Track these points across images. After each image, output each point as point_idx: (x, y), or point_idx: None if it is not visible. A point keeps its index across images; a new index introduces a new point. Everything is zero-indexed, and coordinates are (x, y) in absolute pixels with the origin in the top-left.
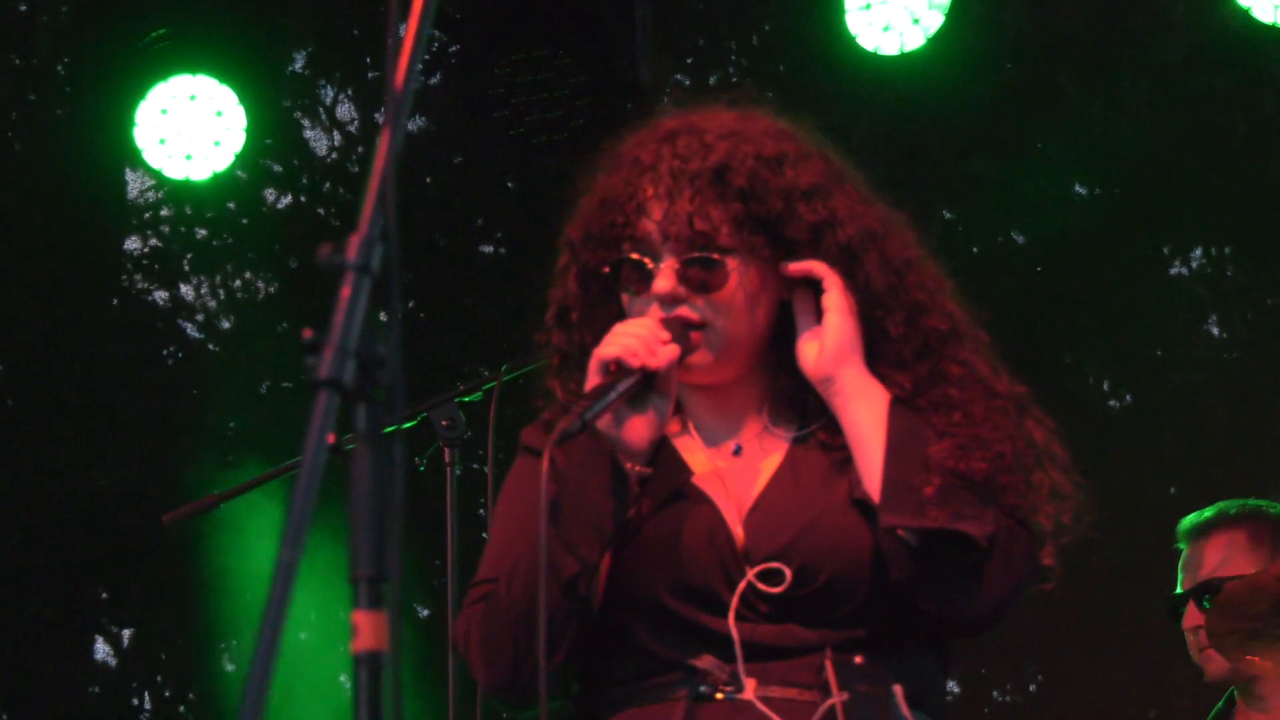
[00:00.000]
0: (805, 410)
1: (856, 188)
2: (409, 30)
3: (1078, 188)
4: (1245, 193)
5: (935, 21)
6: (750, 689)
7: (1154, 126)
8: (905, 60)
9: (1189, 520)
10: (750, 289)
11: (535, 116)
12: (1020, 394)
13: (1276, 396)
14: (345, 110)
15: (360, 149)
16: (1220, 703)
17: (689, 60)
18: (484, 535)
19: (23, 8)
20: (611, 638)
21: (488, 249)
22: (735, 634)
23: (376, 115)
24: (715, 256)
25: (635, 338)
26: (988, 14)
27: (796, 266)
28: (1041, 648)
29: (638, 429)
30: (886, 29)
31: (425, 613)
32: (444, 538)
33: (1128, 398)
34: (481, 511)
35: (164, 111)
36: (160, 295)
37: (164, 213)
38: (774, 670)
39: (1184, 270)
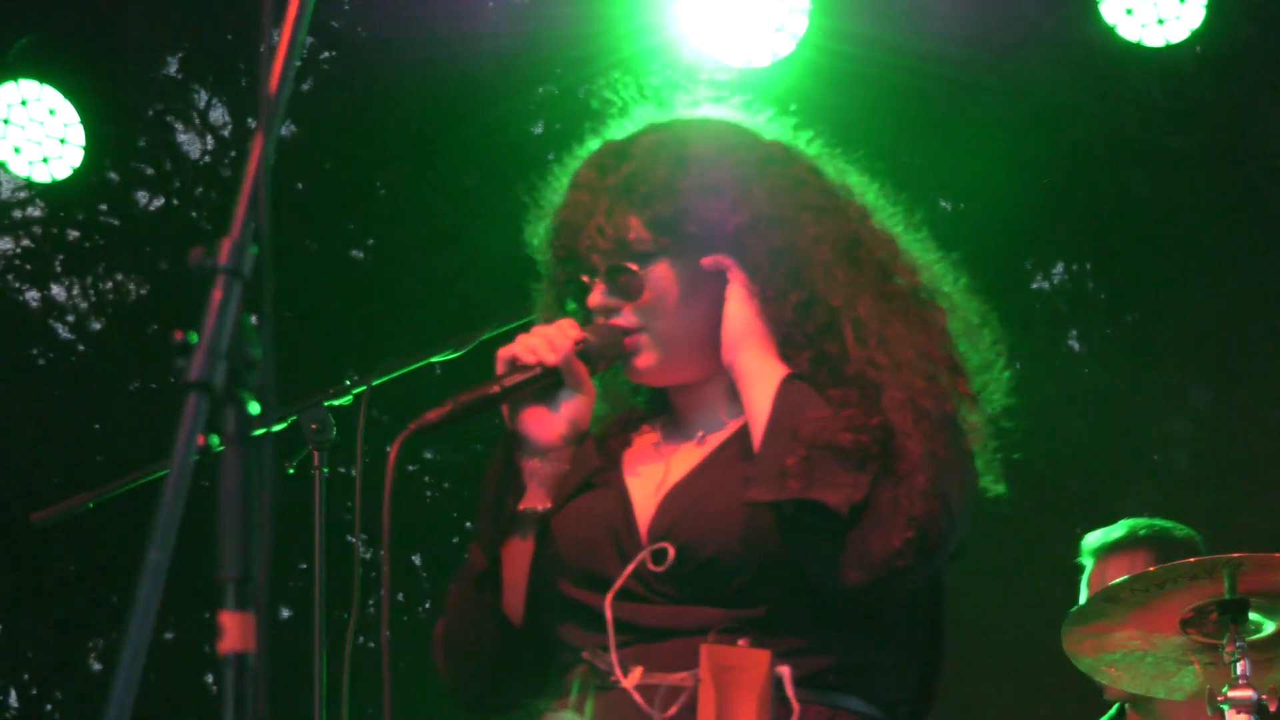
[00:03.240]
0: None
1: (784, 171)
2: (283, 36)
3: (941, 202)
4: (1106, 209)
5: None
6: (637, 675)
7: (1018, 142)
8: (763, 75)
9: (1096, 537)
10: (676, 290)
11: None
12: (926, 350)
13: (1133, 411)
14: (219, 114)
15: (233, 153)
16: (1110, 712)
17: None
18: (349, 538)
19: None
20: (541, 634)
21: (358, 254)
22: (609, 614)
23: (249, 120)
24: (631, 265)
25: (540, 336)
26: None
27: (707, 261)
28: None
29: (544, 424)
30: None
31: (288, 614)
32: (311, 540)
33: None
34: (348, 516)
35: (23, 102)
36: (31, 296)
37: (34, 213)
38: (660, 654)
39: (1045, 284)
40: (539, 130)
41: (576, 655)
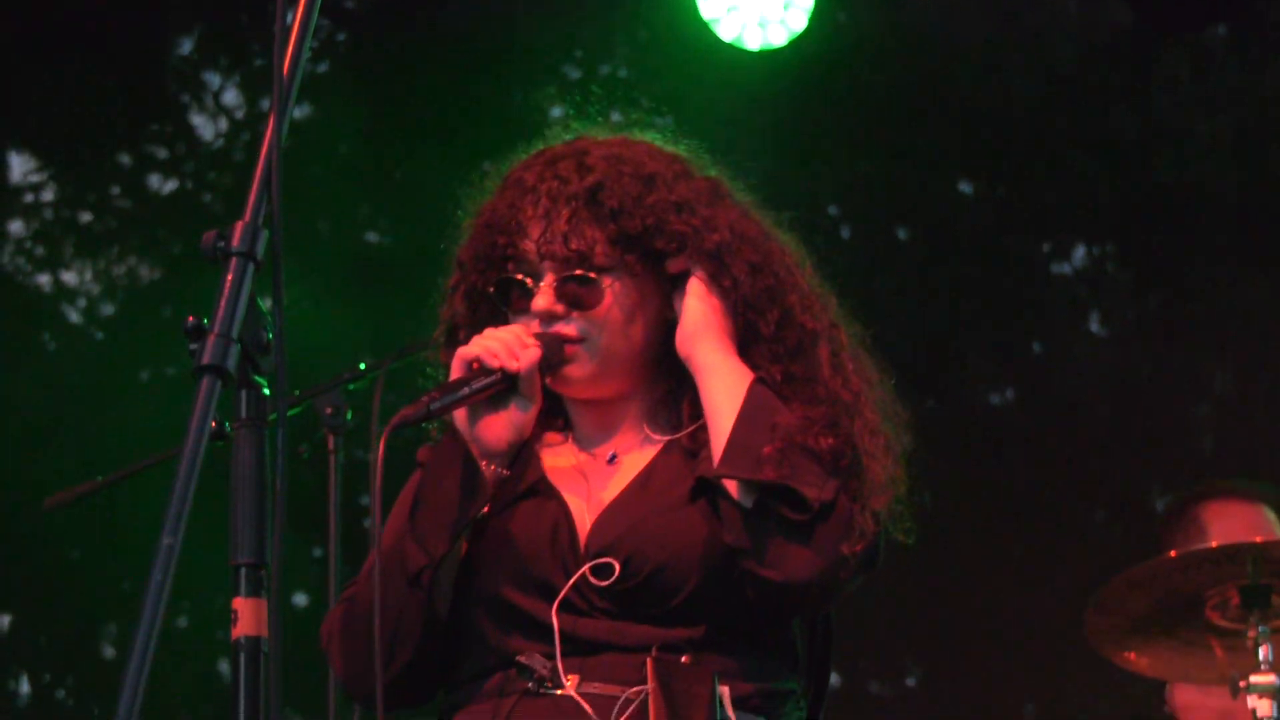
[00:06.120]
0: (679, 419)
1: (735, 203)
2: (297, 17)
3: (962, 185)
4: (1131, 192)
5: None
6: (572, 685)
7: (1042, 124)
8: (783, 55)
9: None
10: (626, 305)
11: None
12: (881, 391)
13: (1155, 394)
14: (232, 97)
15: (246, 136)
16: None
17: (577, 55)
18: (365, 524)
19: None
20: (459, 637)
21: (372, 237)
22: (555, 623)
23: (263, 102)
24: (591, 275)
25: (499, 340)
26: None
27: (674, 264)
28: (920, 641)
29: (495, 429)
30: (763, 24)
31: (304, 600)
32: (326, 525)
33: (1009, 394)
34: (364, 499)
35: None
36: (43, 279)
37: (46, 196)
38: (598, 666)
39: (1066, 268)
40: (558, 113)
41: (502, 658)
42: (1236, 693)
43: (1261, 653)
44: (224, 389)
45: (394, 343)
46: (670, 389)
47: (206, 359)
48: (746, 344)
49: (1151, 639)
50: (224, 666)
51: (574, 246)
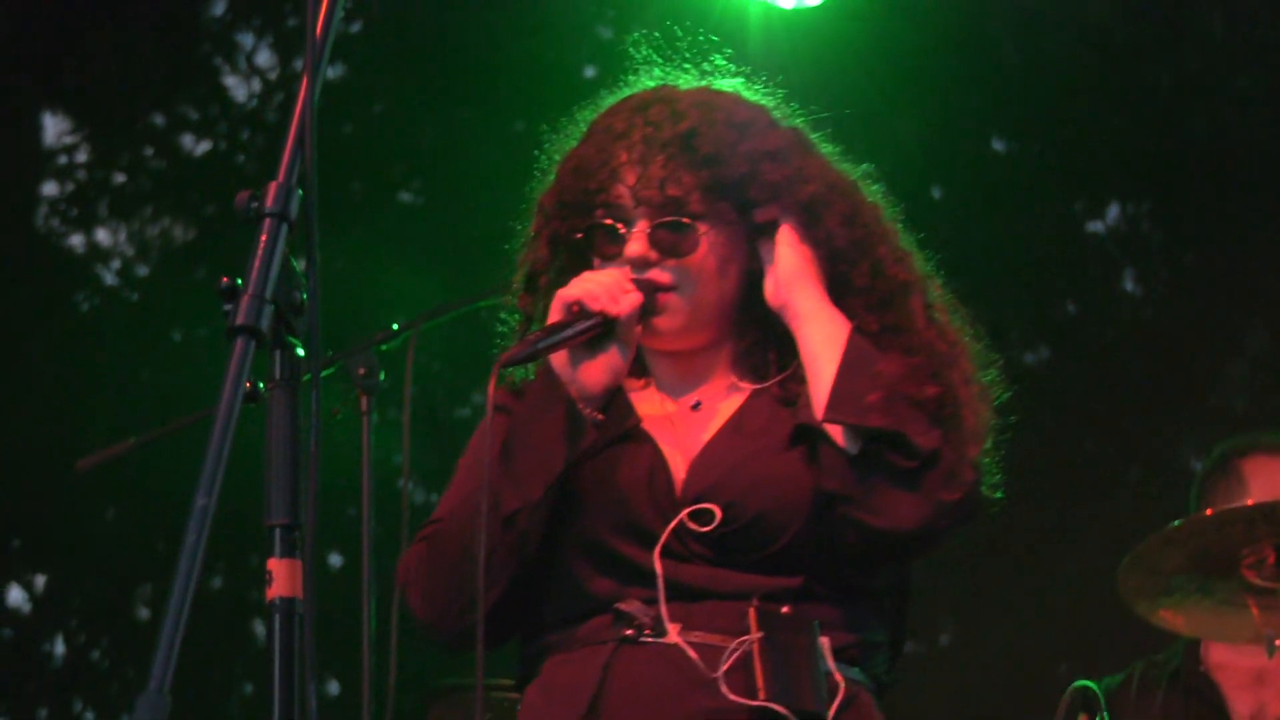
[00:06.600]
0: (766, 369)
1: (820, 154)
2: None
3: (995, 143)
4: (1165, 149)
5: None
6: (674, 633)
7: (1075, 81)
8: (816, 14)
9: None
10: (720, 254)
11: None
12: (972, 342)
13: (1190, 354)
14: (265, 58)
15: (280, 96)
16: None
17: (610, 14)
18: (399, 484)
19: None
20: (548, 581)
21: (406, 197)
22: (659, 568)
23: (296, 63)
24: (686, 221)
25: (600, 284)
26: None
27: (764, 212)
28: (953, 599)
29: (593, 373)
30: None
31: (339, 561)
32: (359, 486)
33: (1043, 353)
34: (397, 459)
35: None
36: (76, 240)
37: (80, 158)
38: (699, 614)
39: (1099, 226)
40: (591, 74)
41: (597, 603)
42: (1272, 651)
43: None
44: (257, 350)
45: (427, 303)
46: (756, 339)
47: (240, 320)
48: (838, 295)
49: (1187, 597)
50: (259, 628)
51: (670, 192)
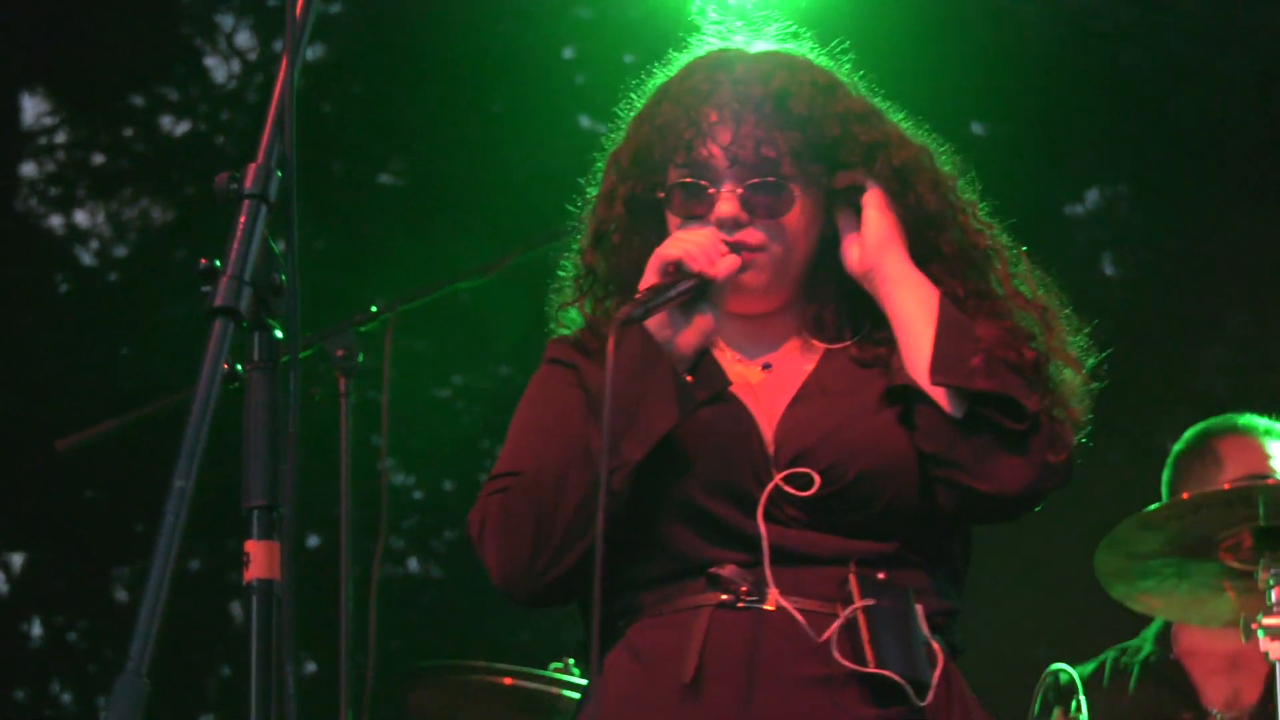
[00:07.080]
0: (838, 332)
1: (902, 123)
2: None
3: (974, 126)
4: (1144, 132)
5: None
6: (772, 598)
7: (1054, 64)
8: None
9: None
10: (808, 216)
11: None
12: (1060, 307)
13: (1170, 337)
14: (245, 38)
15: (259, 77)
16: (1155, 626)
17: None
18: (378, 466)
19: None
20: (638, 540)
21: (385, 178)
22: (764, 531)
23: (276, 43)
24: (779, 182)
25: (698, 245)
26: None
27: (846, 175)
28: None
29: (688, 335)
30: None
31: (316, 542)
32: (337, 467)
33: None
34: (376, 441)
35: None
36: (56, 221)
37: (59, 138)
38: (796, 580)
39: (1078, 209)
40: (569, 55)
41: (690, 566)
42: (1248, 635)
43: (1273, 595)
44: (236, 331)
45: (406, 284)
46: (825, 302)
47: (219, 301)
48: (922, 261)
49: (1164, 581)
50: (237, 610)
51: (765, 153)
